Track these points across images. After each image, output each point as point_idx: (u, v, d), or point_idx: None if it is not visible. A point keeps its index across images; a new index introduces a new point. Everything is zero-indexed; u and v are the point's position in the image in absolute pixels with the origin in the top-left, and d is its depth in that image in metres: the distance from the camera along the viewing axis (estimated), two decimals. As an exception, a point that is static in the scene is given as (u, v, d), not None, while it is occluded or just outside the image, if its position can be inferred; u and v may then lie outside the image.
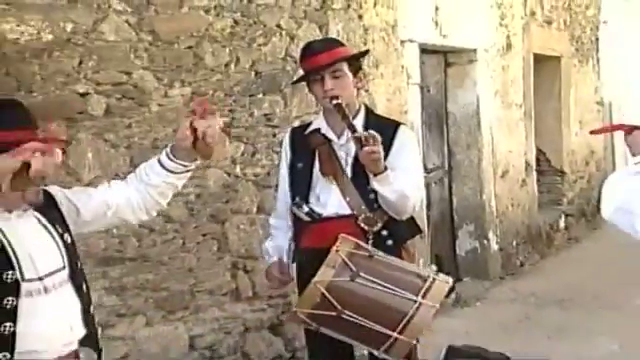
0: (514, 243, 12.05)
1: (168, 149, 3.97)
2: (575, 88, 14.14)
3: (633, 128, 3.79)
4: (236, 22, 6.94)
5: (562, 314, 9.37)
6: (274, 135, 6.97)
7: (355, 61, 5.22)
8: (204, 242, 6.65)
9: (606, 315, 9.06)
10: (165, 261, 6.28)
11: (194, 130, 3.82)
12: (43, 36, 5.39)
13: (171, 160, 3.93)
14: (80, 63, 5.65)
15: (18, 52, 5.25)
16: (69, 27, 5.56)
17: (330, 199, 5.04)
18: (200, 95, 6.49)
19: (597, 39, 15.21)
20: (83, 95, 5.68)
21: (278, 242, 5.30)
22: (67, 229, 3.67)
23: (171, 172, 3.95)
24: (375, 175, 4.81)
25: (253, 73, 7.10)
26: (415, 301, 4.65)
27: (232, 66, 6.91)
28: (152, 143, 5.89)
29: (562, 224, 13.88)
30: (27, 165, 3.35)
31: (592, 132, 3.92)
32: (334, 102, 4.92)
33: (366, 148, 4.67)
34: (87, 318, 3.66)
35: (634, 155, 3.65)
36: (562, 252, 13.49)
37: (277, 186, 5.40)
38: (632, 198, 3.32)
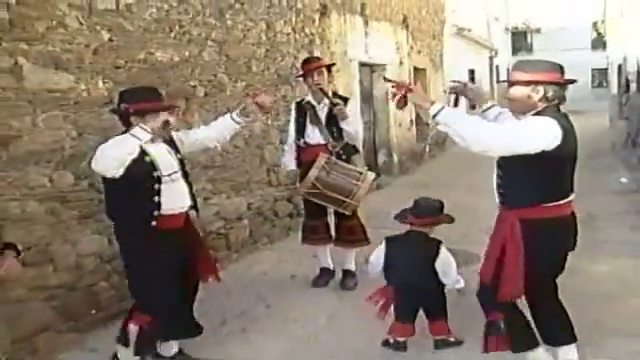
0: (404, 158, 12.04)
1: (238, 111, 4.05)
2: (433, 83, 14.17)
3: (407, 91, 3.32)
4: (267, 50, 6.91)
5: (426, 191, 8.94)
6: (287, 105, 6.77)
7: (329, 67, 5.26)
8: (253, 158, 6.62)
9: (445, 190, 8.92)
10: (234, 167, 6.27)
11: (256, 102, 3.99)
12: (174, 58, 5.35)
13: (239, 117, 4.01)
14: (192, 71, 5.61)
15: (162, 66, 5.21)
16: (186, 54, 5.53)
17: (314, 135, 5.06)
18: (250, 86, 6.45)
19: (442, 60, 15.26)
20: (193, 87, 5.64)
21: (288, 157, 5.29)
22: (178, 151, 3.69)
23: (238, 123, 4.02)
24: (343, 120, 4.89)
25: (276, 75, 7.07)
26: (357, 184, 4.74)
27: (266, 72, 6.87)
28: (226, 110, 5.80)
29: (427, 149, 13.81)
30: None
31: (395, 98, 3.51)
32: (319, 87, 4.98)
33: (339, 107, 4.80)
34: (192, 195, 3.69)
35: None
36: (427, 162, 13.49)
37: (288, 130, 5.38)
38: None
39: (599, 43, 31.90)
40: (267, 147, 6.88)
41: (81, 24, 4.41)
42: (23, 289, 3.89)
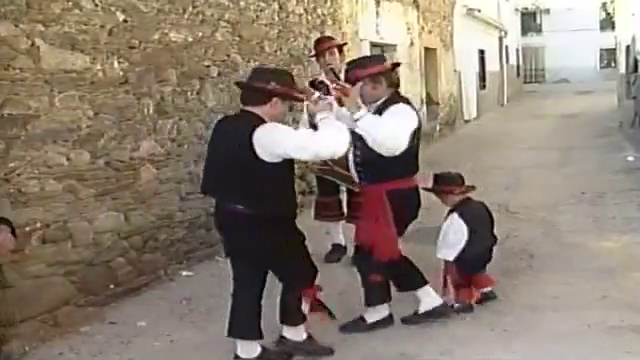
0: (414, 137, 11.96)
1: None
2: (443, 63, 14.00)
3: (345, 95, 3.42)
4: (280, 31, 6.81)
5: (434, 168, 9.30)
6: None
7: (341, 47, 5.19)
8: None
9: (453, 169, 9.09)
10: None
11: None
12: (187, 39, 5.29)
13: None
14: (205, 51, 5.54)
15: (176, 46, 5.15)
16: (200, 34, 5.45)
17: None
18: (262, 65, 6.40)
19: (452, 40, 15.05)
20: (207, 66, 5.56)
21: None
22: None
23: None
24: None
25: (289, 55, 6.98)
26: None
27: (279, 52, 6.79)
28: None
29: (438, 127, 13.57)
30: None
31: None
32: (329, 67, 4.90)
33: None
34: None
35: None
36: (438, 141, 13.20)
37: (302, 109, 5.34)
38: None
39: (608, 23, 31.38)
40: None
41: (96, 5, 4.36)
42: (43, 265, 3.89)
